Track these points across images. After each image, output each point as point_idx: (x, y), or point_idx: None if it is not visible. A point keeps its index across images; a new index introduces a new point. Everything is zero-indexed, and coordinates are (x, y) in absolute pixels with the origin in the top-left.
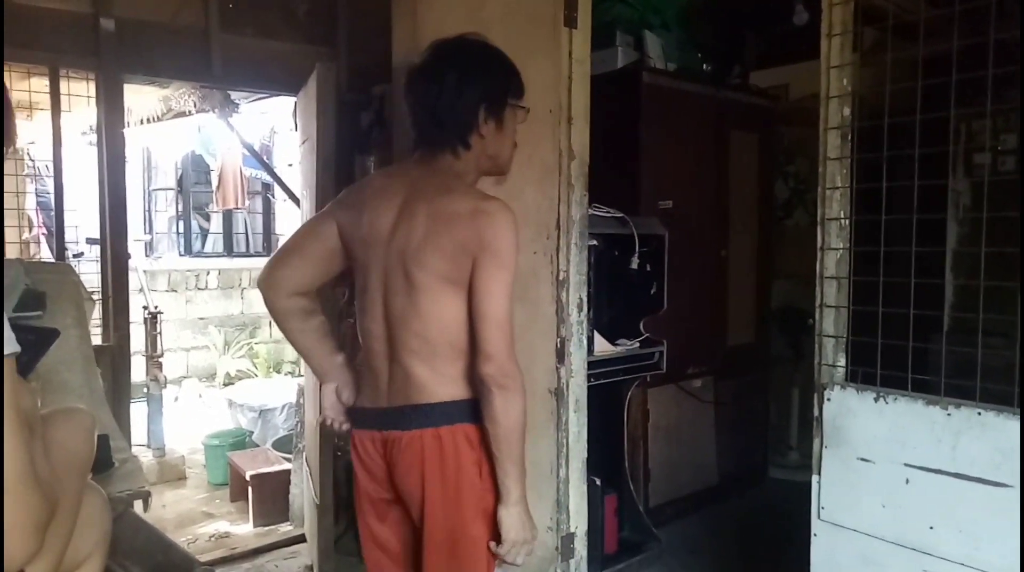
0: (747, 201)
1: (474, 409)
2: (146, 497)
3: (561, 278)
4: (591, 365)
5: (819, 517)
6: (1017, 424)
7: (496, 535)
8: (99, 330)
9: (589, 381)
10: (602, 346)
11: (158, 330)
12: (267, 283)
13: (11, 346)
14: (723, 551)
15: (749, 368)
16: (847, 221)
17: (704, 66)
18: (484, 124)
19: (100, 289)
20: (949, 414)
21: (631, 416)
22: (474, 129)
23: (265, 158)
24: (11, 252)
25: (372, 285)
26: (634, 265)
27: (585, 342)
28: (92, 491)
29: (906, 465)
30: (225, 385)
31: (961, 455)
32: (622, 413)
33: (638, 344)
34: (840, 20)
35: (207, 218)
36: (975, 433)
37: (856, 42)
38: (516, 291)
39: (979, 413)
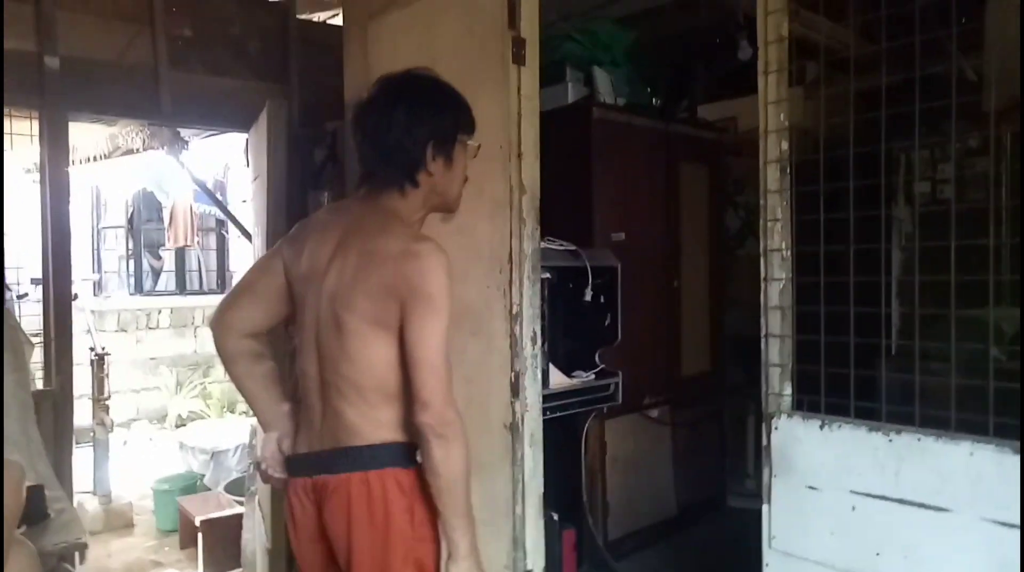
0: (698, 232)
1: (406, 453)
2: (83, 549)
3: (515, 312)
4: (547, 398)
5: (770, 546)
6: (955, 448)
7: None
8: (41, 374)
9: (545, 414)
10: (558, 379)
11: (105, 372)
12: (218, 324)
13: None
14: None
15: (705, 397)
16: (788, 252)
17: (653, 100)
18: (433, 161)
19: (42, 331)
20: (891, 440)
21: (589, 448)
22: (422, 166)
23: (219, 194)
24: None
25: (308, 324)
26: (588, 297)
27: (540, 375)
28: (18, 547)
29: (852, 492)
30: (177, 427)
31: (904, 481)
32: (579, 446)
33: (594, 376)
34: (776, 58)
35: (158, 257)
36: (916, 458)
37: (791, 78)
38: (470, 326)
39: (919, 439)
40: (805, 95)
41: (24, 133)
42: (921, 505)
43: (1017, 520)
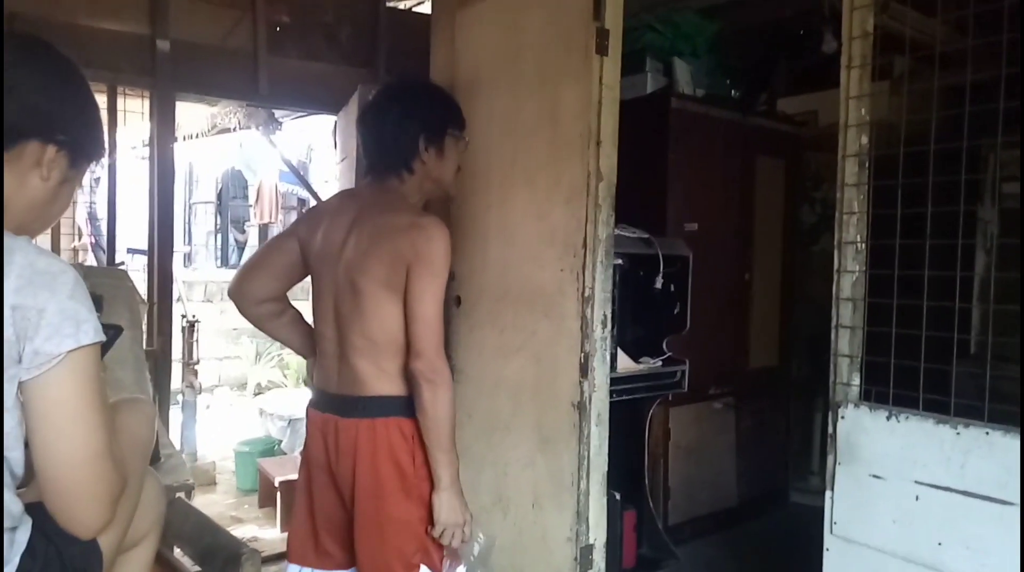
0: (772, 226)
1: (409, 405)
2: (189, 490)
3: (586, 295)
4: (614, 381)
5: (831, 532)
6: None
7: (427, 519)
8: (144, 336)
9: (611, 397)
10: (625, 363)
11: (195, 338)
12: (235, 294)
13: (99, 336)
14: (740, 570)
15: (771, 391)
16: (863, 245)
17: (732, 92)
18: (425, 151)
19: (147, 296)
20: (959, 433)
21: (652, 434)
22: (416, 156)
23: (303, 174)
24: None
25: (325, 292)
26: (658, 285)
27: (608, 358)
28: (150, 476)
29: (916, 482)
30: (256, 394)
31: (969, 473)
32: (643, 430)
33: (660, 363)
34: (859, 52)
35: (243, 231)
36: (983, 452)
37: (875, 73)
38: (542, 307)
39: (987, 433)
40: (891, 91)
41: (136, 111)
42: (986, 498)
43: None
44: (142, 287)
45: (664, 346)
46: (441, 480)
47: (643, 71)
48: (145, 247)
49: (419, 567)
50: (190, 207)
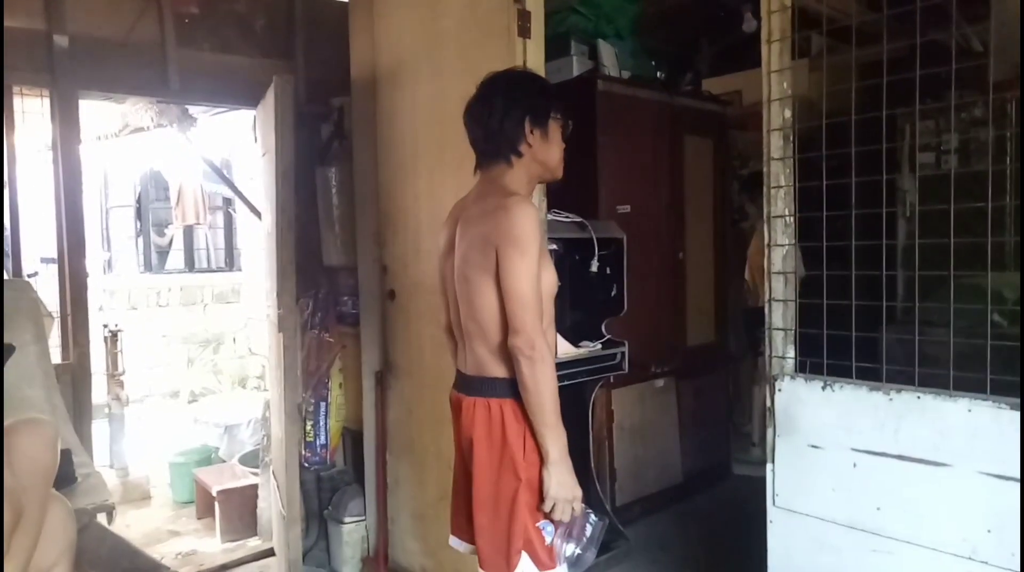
0: (703, 204)
1: None
2: (110, 511)
3: None
4: (555, 367)
5: (774, 504)
6: (953, 406)
7: (535, 505)
8: (58, 348)
9: None
10: (565, 348)
11: (119, 348)
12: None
13: None
14: (690, 546)
15: (710, 367)
16: (792, 218)
17: (658, 74)
18: (531, 134)
19: (59, 307)
20: (891, 399)
21: (595, 417)
22: (523, 139)
23: (226, 172)
24: None
25: (450, 289)
26: (594, 268)
27: None
28: (56, 501)
29: (853, 450)
30: (189, 402)
31: (903, 438)
32: (587, 414)
33: (600, 346)
34: (778, 26)
35: (165, 235)
36: (915, 416)
37: (796, 50)
38: None
39: (919, 397)
40: (811, 67)
41: (36, 111)
42: (920, 461)
43: (1013, 473)
44: (52, 298)
45: (603, 329)
46: (549, 454)
47: (568, 54)
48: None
49: (520, 554)
50: (108, 212)
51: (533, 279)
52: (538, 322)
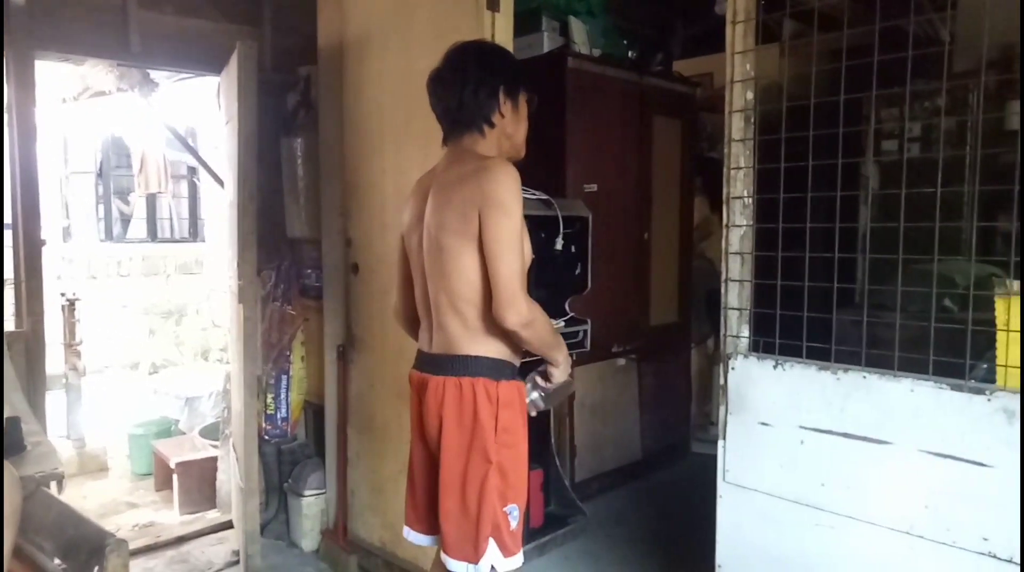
0: (670, 185)
1: (496, 367)
2: (60, 479)
3: None
4: None
5: (724, 479)
6: (896, 385)
7: (504, 489)
8: (12, 317)
9: None
10: None
11: (76, 317)
12: (398, 321)
13: None
14: (646, 521)
15: (672, 347)
16: (750, 199)
17: (629, 53)
18: (504, 104)
19: (13, 273)
20: (839, 378)
21: None
22: (497, 108)
23: (190, 140)
24: None
25: (416, 261)
26: (559, 246)
27: None
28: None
29: (801, 427)
30: (150, 374)
31: (848, 415)
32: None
33: (563, 323)
34: (744, 8)
35: (128, 203)
36: (861, 395)
37: (758, 33)
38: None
39: (864, 377)
40: (779, 52)
41: None
42: (864, 438)
43: (950, 451)
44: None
45: (566, 307)
46: (555, 360)
47: (539, 30)
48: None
49: (488, 540)
50: (68, 178)
51: (519, 242)
52: (523, 286)
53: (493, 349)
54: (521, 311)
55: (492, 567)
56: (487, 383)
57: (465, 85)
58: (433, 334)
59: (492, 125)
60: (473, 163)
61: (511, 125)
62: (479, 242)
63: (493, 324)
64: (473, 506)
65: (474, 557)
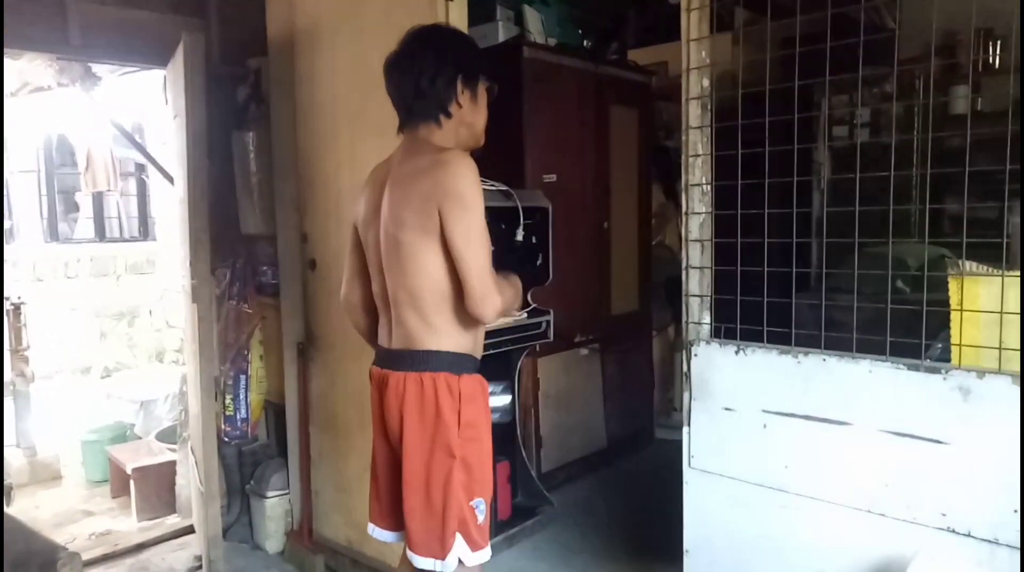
0: (628, 174)
1: (458, 361)
2: (8, 490)
3: None
4: None
5: (689, 465)
6: (855, 367)
7: (469, 484)
8: None
9: None
10: None
11: (22, 322)
12: (345, 309)
13: None
14: (613, 509)
15: (634, 335)
16: (708, 186)
17: (584, 42)
18: (461, 94)
19: None
20: (799, 362)
21: (522, 385)
22: (454, 98)
23: (138, 136)
24: None
25: (373, 257)
26: (519, 237)
27: None
28: None
29: (764, 411)
30: (103, 378)
31: (810, 398)
32: (513, 382)
33: (526, 314)
34: None
35: (75, 202)
36: (821, 377)
37: (713, 21)
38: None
39: (824, 360)
40: (732, 40)
41: None
42: (825, 420)
43: (909, 430)
44: None
45: (529, 298)
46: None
47: (494, 19)
48: None
49: (455, 536)
50: (8, 178)
51: (484, 235)
52: (492, 281)
53: (454, 343)
54: (496, 304)
55: (459, 560)
56: (448, 377)
57: (422, 73)
58: (392, 329)
59: (449, 115)
60: (429, 156)
61: (470, 114)
62: (441, 238)
63: (454, 318)
64: (438, 502)
65: (441, 553)
